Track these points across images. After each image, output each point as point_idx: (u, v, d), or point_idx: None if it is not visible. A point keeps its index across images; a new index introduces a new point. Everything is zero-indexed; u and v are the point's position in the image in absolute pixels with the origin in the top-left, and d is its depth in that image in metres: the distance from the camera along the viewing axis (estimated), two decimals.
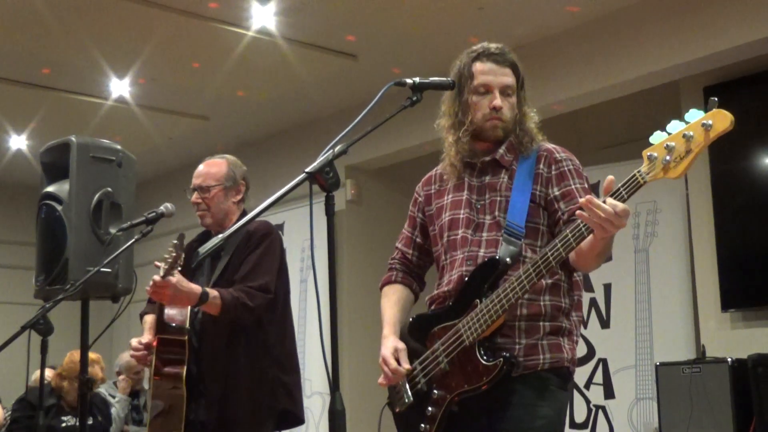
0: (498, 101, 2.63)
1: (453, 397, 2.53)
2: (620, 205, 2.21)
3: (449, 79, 2.63)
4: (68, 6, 5.72)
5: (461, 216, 2.68)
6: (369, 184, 7.85)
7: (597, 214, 2.21)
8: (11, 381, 5.83)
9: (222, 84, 7.00)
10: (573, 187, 2.59)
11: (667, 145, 2.19)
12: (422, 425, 2.59)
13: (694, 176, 5.90)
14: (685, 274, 6.01)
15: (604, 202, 2.23)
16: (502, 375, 2.44)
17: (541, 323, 2.54)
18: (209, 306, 3.35)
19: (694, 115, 2.19)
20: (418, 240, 2.87)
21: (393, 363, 2.62)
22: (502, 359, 2.45)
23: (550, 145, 2.69)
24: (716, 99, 2.18)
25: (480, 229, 2.63)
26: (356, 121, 2.33)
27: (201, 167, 3.75)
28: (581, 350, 6.08)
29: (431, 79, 2.52)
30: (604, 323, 6.27)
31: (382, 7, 5.83)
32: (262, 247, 3.54)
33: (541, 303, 2.55)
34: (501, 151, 2.67)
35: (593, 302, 6.26)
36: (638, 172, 2.24)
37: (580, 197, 2.53)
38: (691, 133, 2.17)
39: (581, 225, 2.31)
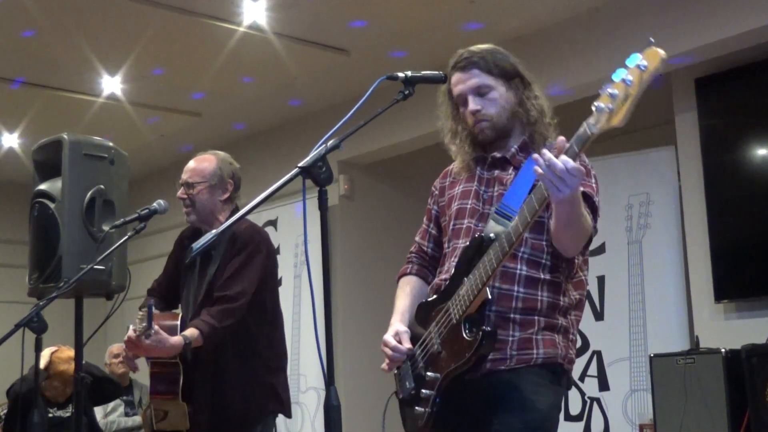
0: (472, 106, 2.66)
1: (444, 377, 2.52)
2: (571, 163, 2.20)
3: (441, 72, 2.64)
4: (59, 3, 5.70)
5: (468, 206, 2.69)
6: (362, 179, 7.84)
7: (548, 170, 2.21)
8: (5, 379, 5.82)
9: (213, 80, 6.98)
10: None
11: (610, 93, 2.18)
12: (417, 408, 2.60)
13: (687, 168, 5.92)
14: (679, 266, 6.02)
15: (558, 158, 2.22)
16: (483, 351, 2.43)
17: (536, 317, 2.55)
18: (194, 344, 3.37)
19: (633, 60, 2.19)
20: (433, 232, 2.88)
21: (392, 342, 2.64)
22: (481, 332, 2.43)
23: None
24: (652, 39, 2.19)
25: (483, 219, 2.64)
26: (349, 115, 2.34)
27: (190, 163, 3.75)
28: None
29: (423, 72, 2.52)
30: (598, 315, 6.28)
31: (373, 1, 5.83)
32: (242, 255, 3.54)
33: (539, 298, 2.56)
34: (513, 150, 2.68)
35: (587, 295, 6.26)
36: (586, 123, 2.22)
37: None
38: (630, 78, 2.16)
39: (541, 186, 2.30)
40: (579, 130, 2.23)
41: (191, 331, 3.36)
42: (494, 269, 2.43)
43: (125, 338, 3.33)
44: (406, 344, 2.63)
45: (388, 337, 2.66)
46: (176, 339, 3.31)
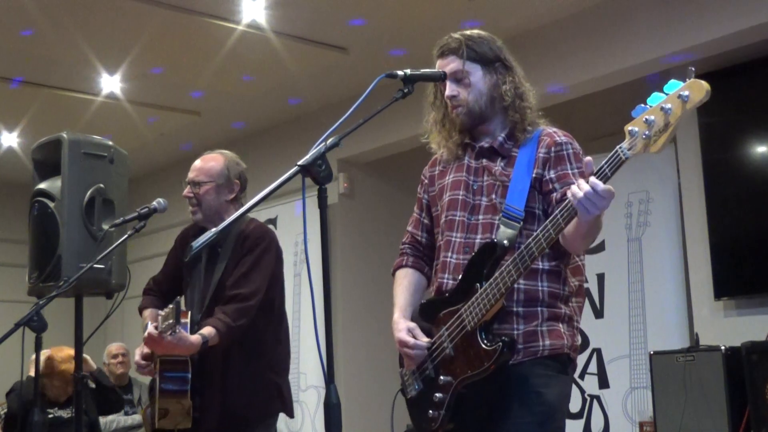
0: (447, 92, 2.68)
1: (458, 383, 2.54)
2: (601, 185, 2.20)
3: (440, 70, 2.64)
4: (58, 3, 5.70)
5: (459, 197, 2.69)
6: (361, 177, 7.85)
7: (582, 196, 2.21)
8: (5, 378, 5.83)
9: (213, 79, 6.98)
10: (570, 171, 2.58)
11: (646, 119, 2.15)
12: (430, 411, 2.61)
13: (686, 165, 5.92)
14: (678, 263, 6.02)
15: (587, 182, 2.22)
16: (503, 359, 2.46)
17: (539, 309, 2.56)
18: (211, 343, 3.35)
19: (672, 86, 2.15)
20: (425, 221, 2.87)
21: (411, 340, 2.63)
22: (501, 343, 2.46)
23: (552, 129, 2.69)
24: (693, 68, 2.15)
25: (476, 212, 2.65)
26: (348, 113, 2.33)
27: (197, 161, 3.70)
28: None
29: (422, 70, 2.53)
30: (598, 313, 6.28)
31: None
32: (253, 254, 3.52)
33: (539, 288, 2.56)
34: (500, 139, 2.68)
35: (587, 292, 6.27)
36: (620, 148, 2.21)
37: (576, 181, 2.54)
38: (669, 106, 2.13)
39: (569, 204, 2.30)
40: (612, 154, 2.22)
41: (208, 330, 3.33)
42: (514, 281, 2.45)
43: (145, 334, 3.28)
44: (423, 338, 2.64)
45: (405, 336, 2.65)
46: (195, 337, 3.29)
